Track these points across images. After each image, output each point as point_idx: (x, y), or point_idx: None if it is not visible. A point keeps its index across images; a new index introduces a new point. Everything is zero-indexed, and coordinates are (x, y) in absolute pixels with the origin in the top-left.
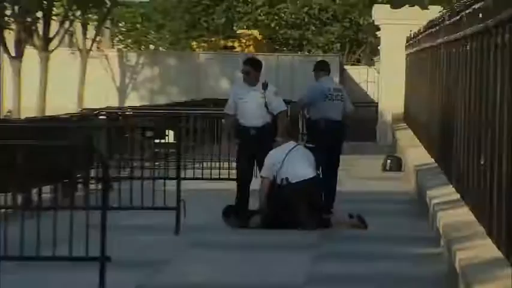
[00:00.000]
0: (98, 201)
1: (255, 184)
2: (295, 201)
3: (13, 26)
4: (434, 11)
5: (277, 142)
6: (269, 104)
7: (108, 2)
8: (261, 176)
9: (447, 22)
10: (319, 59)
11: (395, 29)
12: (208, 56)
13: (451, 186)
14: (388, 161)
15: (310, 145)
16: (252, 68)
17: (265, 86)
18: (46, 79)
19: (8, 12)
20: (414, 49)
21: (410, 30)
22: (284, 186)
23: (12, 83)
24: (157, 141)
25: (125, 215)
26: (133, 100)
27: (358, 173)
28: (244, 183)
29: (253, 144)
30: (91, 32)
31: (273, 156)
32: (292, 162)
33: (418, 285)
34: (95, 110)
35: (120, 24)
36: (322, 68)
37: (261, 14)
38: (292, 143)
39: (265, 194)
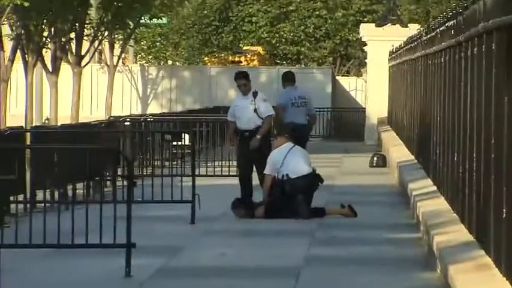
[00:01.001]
0: (124, 196)
1: (257, 179)
2: (294, 194)
3: (50, 46)
4: (413, 29)
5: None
6: (258, 109)
7: (131, 23)
8: (264, 173)
9: (424, 38)
10: (314, 71)
11: (379, 44)
12: (218, 69)
13: (429, 179)
14: (375, 158)
15: None
16: (246, 80)
17: (255, 94)
18: (79, 91)
19: (45, 33)
20: (396, 62)
21: (393, 45)
22: (285, 181)
23: (50, 94)
24: (174, 143)
25: (147, 208)
26: (154, 108)
27: (348, 169)
28: (245, 178)
29: (248, 145)
30: (117, 49)
31: (274, 156)
32: (291, 160)
33: (401, 265)
34: (121, 117)
35: (142, 43)
36: (287, 78)
37: (264, 33)
38: (290, 144)
39: (268, 188)
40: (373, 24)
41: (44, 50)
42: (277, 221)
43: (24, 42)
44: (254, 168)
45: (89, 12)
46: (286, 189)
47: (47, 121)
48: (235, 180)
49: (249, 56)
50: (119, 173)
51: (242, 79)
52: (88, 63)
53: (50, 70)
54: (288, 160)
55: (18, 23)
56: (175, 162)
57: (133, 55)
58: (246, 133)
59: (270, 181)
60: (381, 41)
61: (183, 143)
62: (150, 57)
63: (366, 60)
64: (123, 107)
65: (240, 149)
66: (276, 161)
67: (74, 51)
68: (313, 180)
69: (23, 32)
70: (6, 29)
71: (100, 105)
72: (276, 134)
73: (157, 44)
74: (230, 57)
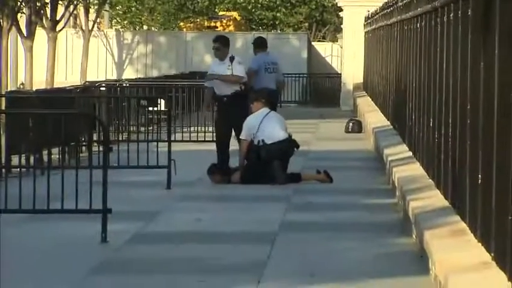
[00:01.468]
0: (99, 161)
1: (235, 145)
2: (270, 160)
3: (25, 10)
4: None
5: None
6: (235, 72)
7: None
8: (240, 138)
9: (400, 4)
10: (290, 36)
11: (355, 10)
12: (194, 34)
13: (404, 145)
14: (350, 124)
15: None
16: (221, 44)
17: (232, 59)
18: (54, 55)
19: None
20: (372, 27)
21: (368, 11)
22: (261, 147)
23: (25, 59)
24: (150, 109)
25: (123, 173)
26: (130, 73)
27: (324, 135)
28: (222, 144)
29: (227, 110)
30: (92, 14)
31: (250, 122)
32: (267, 126)
33: (377, 231)
34: (96, 82)
35: (117, 8)
36: (260, 44)
37: None
38: (266, 109)
39: (244, 153)
40: None
41: (18, 15)
42: (254, 187)
43: None
44: (232, 134)
45: None
46: (262, 155)
47: (22, 86)
48: (212, 146)
49: (224, 21)
50: (95, 138)
51: (216, 42)
52: (63, 28)
53: (25, 35)
54: (264, 125)
55: None
56: (151, 128)
57: (108, 20)
58: (225, 98)
59: (246, 146)
60: (356, 7)
61: (158, 109)
62: (125, 22)
63: (342, 26)
64: (99, 73)
65: (219, 115)
66: (252, 126)
67: (49, 15)
68: (289, 145)
69: None
70: None
71: (75, 70)
72: (252, 99)
73: (133, 9)
74: (206, 23)
